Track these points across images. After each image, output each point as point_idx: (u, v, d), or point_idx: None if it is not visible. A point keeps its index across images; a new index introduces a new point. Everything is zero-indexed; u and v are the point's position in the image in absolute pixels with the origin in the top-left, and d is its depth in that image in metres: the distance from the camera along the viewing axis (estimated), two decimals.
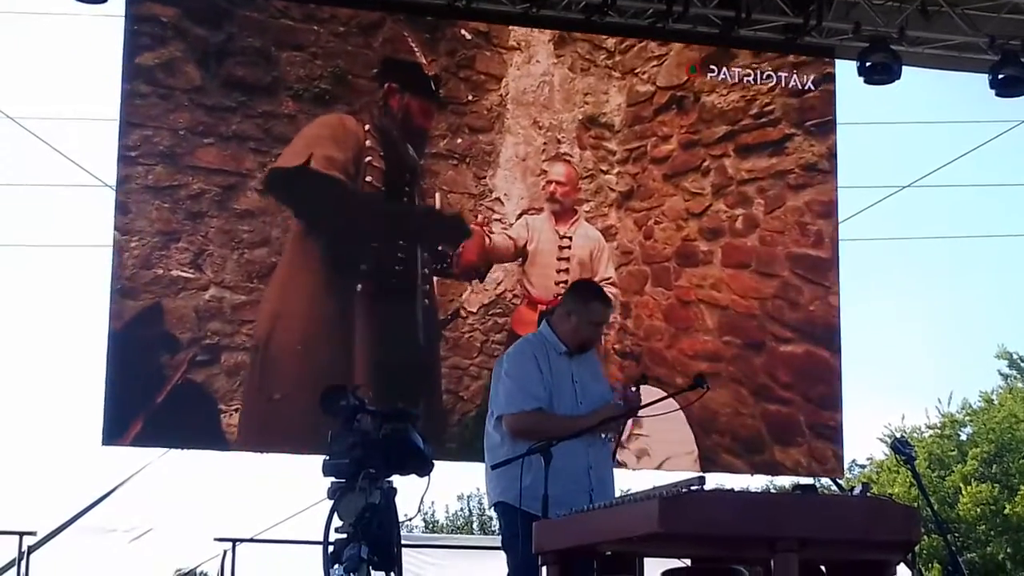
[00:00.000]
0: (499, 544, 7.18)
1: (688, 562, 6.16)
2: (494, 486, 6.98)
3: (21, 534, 12.16)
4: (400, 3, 11.89)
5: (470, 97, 12.02)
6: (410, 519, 6.69)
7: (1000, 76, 12.64)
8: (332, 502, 5.99)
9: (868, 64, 12.50)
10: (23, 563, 12.10)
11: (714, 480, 6.13)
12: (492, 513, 40.67)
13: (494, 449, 6.95)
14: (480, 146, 11.97)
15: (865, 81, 12.61)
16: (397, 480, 6.14)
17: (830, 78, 12.73)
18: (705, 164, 12.38)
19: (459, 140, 11.91)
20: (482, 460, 7.07)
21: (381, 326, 11.53)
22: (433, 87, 11.90)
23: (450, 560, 13.97)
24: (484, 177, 11.93)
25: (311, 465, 6.26)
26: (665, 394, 7.43)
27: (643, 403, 7.00)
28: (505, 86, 12.09)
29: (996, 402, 31.41)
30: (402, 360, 11.52)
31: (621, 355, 12.01)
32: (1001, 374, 32.53)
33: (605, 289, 7.76)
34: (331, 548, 5.97)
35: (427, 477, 6.24)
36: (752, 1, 12.35)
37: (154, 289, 11.17)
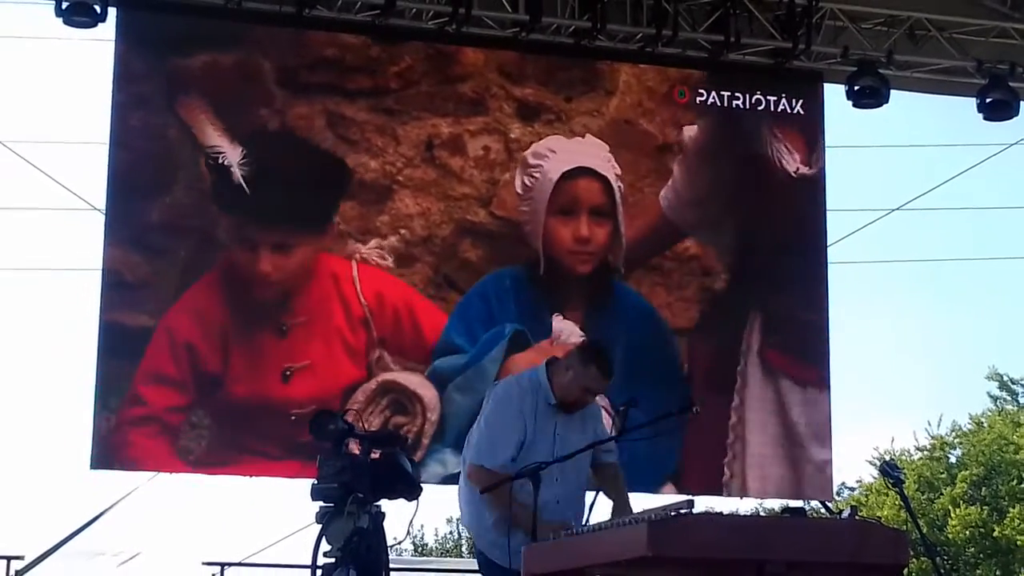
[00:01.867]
0: None
1: None
2: (481, 534, 6.88)
3: (9, 558, 12.11)
4: (391, 28, 11.90)
5: None
6: (399, 542, 6.69)
7: (988, 100, 12.69)
8: (320, 526, 5.99)
9: (856, 88, 12.54)
10: None
11: (703, 503, 6.12)
12: None
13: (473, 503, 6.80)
14: None
15: (853, 105, 12.65)
16: (386, 504, 6.14)
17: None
18: None
19: None
20: None
21: None
22: None
23: None
24: None
25: (300, 489, 6.26)
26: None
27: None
28: None
29: (986, 424, 31.43)
30: None
31: None
32: (991, 396, 32.59)
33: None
34: (319, 572, 5.96)
35: (416, 501, 6.24)
36: (741, 25, 12.39)
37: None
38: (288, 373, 11.36)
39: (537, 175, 12.04)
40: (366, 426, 6.34)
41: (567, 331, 11.88)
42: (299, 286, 11.52)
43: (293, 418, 11.06)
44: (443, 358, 11.67)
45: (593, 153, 12.20)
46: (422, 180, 11.90)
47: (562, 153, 12.12)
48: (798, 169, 12.54)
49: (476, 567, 7.06)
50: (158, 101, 11.50)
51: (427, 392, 11.50)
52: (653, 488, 11.66)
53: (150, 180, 11.44)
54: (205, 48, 11.64)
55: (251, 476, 11.35)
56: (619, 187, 12.18)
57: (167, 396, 11.17)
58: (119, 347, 11.14)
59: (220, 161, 11.47)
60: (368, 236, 11.70)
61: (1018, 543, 27.81)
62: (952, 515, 28.77)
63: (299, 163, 11.76)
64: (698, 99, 12.47)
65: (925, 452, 31.65)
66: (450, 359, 11.68)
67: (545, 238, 11.99)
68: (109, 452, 11.05)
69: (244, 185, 11.48)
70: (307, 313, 11.48)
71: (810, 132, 12.73)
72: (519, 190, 12.02)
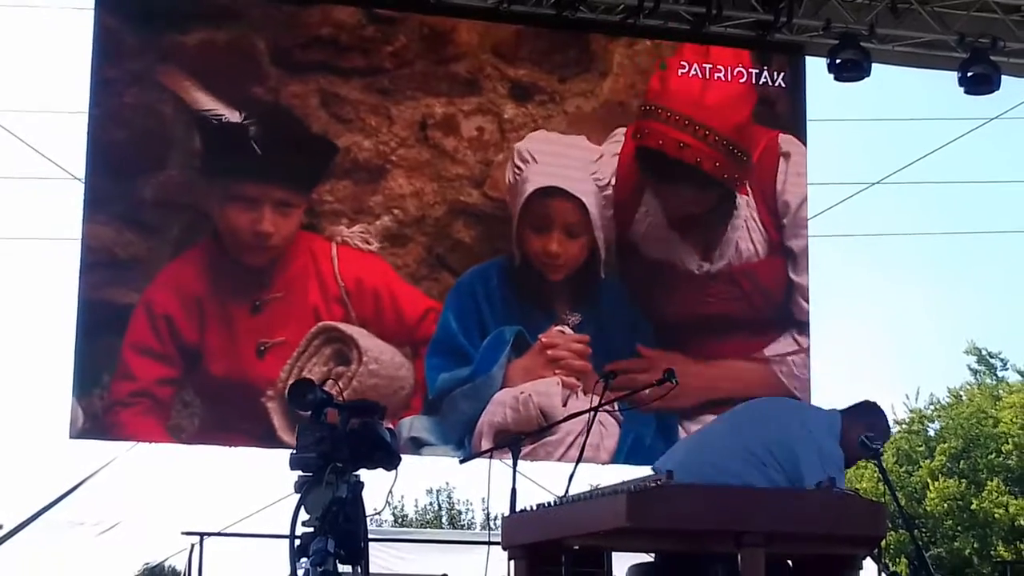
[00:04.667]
0: (467, 539, 7.16)
1: (653, 557, 6.17)
2: None
3: None
4: None
5: None
6: (378, 512, 6.69)
7: (969, 73, 12.69)
8: (299, 496, 5.98)
9: (838, 61, 12.54)
10: None
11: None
12: (461, 507, 40.07)
13: None
14: None
15: (835, 78, 12.64)
16: (365, 474, 6.13)
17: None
18: None
19: None
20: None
21: None
22: None
23: (419, 554, 13.95)
24: None
25: (278, 459, 6.25)
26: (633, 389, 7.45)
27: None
28: None
29: (964, 398, 31.50)
30: None
31: None
32: (970, 369, 32.63)
33: None
34: (298, 542, 5.95)
35: (395, 470, 6.23)
36: None
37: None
38: (263, 349, 11.35)
39: (519, 176, 12.04)
40: (342, 394, 6.30)
41: (562, 342, 11.93)
42: (280, 258, 11.52)
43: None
44: (448, 374, 11.68)
45: (576, 165, 12.18)
46: (416, 160, 11.92)
47: (543, 164, 12.08)
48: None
49: (455, 538, 7.06)
50: (151, 78, 11.48)
51: (369, 343, 11.48)
52: None
53: (142, 157, 11.44)
54: (199, 25, 11.65)
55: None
56: (605, 195, 12.15)
57: (154, 369, 11.21)
58: (106, 324, 11.16)
59: (222, 120, 11.47)
60: (361, 216, 11.71)
61: (996, 516, 27.91)
62: (930, 488, 28.85)
63: (294, 134, 11.75)
64: (679, 71, 12.45)
65: (904, 425, 31.71)
66: (455, 373, 11.72)
67: (518, 241, 12.01)
68: (98, 430, 11.12)
69: (254, 144, 11.53)
70: (283, 288, 11.48)
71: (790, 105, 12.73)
72: (507, 181, 12.03)
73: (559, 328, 11.98)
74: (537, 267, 12.07)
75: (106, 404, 11.07)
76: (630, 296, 12.25)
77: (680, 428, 12.01)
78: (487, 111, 12.10)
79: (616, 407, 8.60)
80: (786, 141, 12.63)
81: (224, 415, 11.36)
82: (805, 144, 12.73)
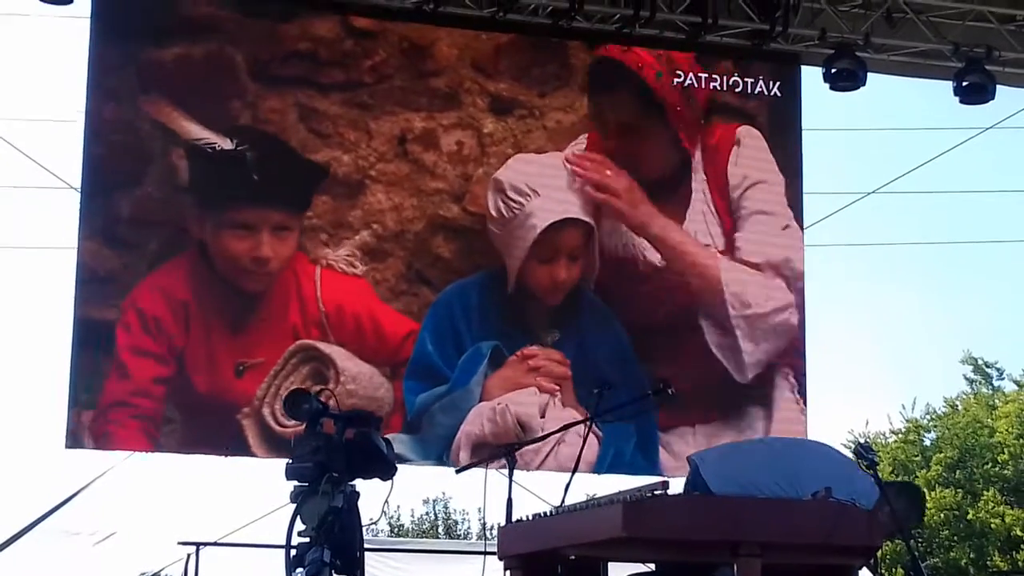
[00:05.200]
0: (464, 548, 7.16)
1: (652, 567, 6.17)
2: None
3: None
4: (371, 7, 11.88)
5: None
6: (374, 522, 6.68)
7: (964, 83, 12.70)
8: (295, 506, 5.98)
9: (833, 70, 12.55)
10: None
11: (677, 484, 6.11)
12: (457, 517, 39.97)
13: None
14: None
15: (830, 87, 12.66)
16: (360, 484, 6.13)
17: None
18: None
19: None
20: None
21: None
22: None
23: (415, 564, 13.95)
24: None
25: (275, 469, 6.25)
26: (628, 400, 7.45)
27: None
28: None
29: (960, 407, 31.48)
30: None
31: None
32: (966, 379, 32.61)
33: None
34: (293, 552, 5.95)
35: (390, 481, 6.23)
36: (719, 7, 12.38)
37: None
38: (241, 369, 11.32)
39: (517, 211, 11.95)
40: (338, 405, 6.30)
41: (542, 355, 11.90)
42: (273, 284, 11.53)
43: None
44: (425, 393, 11.64)
45: (568, 185, 12.12)
46: (395, 175, 11.86)
47: (546, 198, 12.02)
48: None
49: (452, 548, 7.07)
50: (129, 94, 11.44)
51: (347, 363, 11.45)
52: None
53: (119, 172, 11.39)
54: (176, 40, 11.57)
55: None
56: (596, 214, 12.11)
57: (150, 368, 11.20)
58: (93, 339, 11.14)
59: (216, 148, 11.41)
60: (340, 231, 11.64)
61: (992, 526, 27.89)
62: (927, 498, 28.85)
63: (277, 157, 11.68)
64: (674, 80, 12.46)
65: (900, 435, 31.70)
66: (432, 392, 11.67)
67: (521, 274, 11.93)
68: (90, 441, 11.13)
69: (253, 173, 11.49)
70: (264, 309, 11.47)
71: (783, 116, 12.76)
72: (493, 212, 11.93)
73: (539, 345, 11.94)
74: (538, 294, 12.01)
75: (98, 412, 11.03)
76: (610, 311, 12.16)
77: (660, 447, 11.98)
78: (467, 125, 12.05)
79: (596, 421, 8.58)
80: (744, 132, 12.61)
81: (201, 430, 11.32)
82: (799, 160, 12.75)
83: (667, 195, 12.40)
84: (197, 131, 11.43)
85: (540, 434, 11.10)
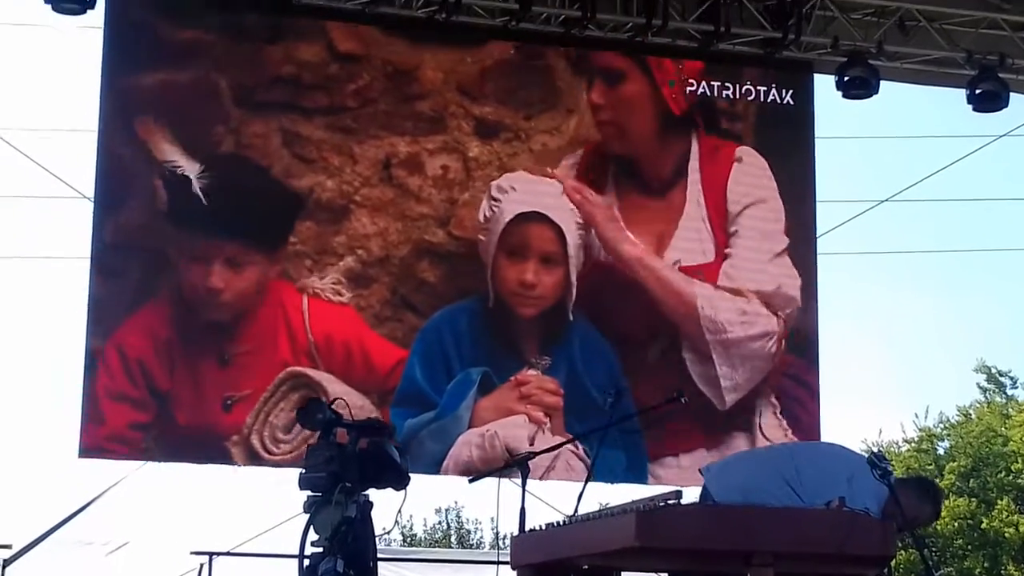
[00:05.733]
0: (477, 558, 7.17)
1: None
2: None
3: None
4: (379, 15, 11.88)
5: None
6: (387, 532, 6.68)
7: (977, 91, 12.69)
8: (308, 516, 5.97)
9: (846, 78, 12.54)
10: None
11: (691, 494, 6.11)
12: (470, 527, 40.06)
13: None
14: None
15: (843, 95, 12.66)
16: (374, 493, 6.12)
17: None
18: None
19: None
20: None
21: None
22: None
23: (428, 574, 13.95)
24: None
25: (288, 478, 6.25)
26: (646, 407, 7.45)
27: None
28: None
29: (974, 416, 31.44)
30: None
31: None
32: (980, 388, 32.58)
33: None
34: (307, 562, 5.95)
35: (404, 490, 6.23)
36: (731, 15, 12.37)
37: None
38: (229, 403, 11.28)
39: (496, 209, 11.90)
40: (351, 414, 6.30)
41: (535, 381, 11.82)
42: (247, 312, 11.43)
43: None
44: (414, 419, 11.57)
45: (557, 197, 12.05)
46: (380, 200, 11.76)
47: (523, 192, 11.97)
48: None
49: (464, 558, 7.06)
50: (112, 118, 11.40)
51: (337, 387, 11.30)
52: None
53: (103, 199, 11.33)
54: (161, 65, 11.51)
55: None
56: (580, 234, 12.02)
57: (127, 414, 11.14)
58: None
59: (178, 173, 11.34)
60: (324, 256, 11.56)
61: (1006, 535, 27.85)
62: (939, 491, 28.80)
63: (255, 185, 11.61)
64: (688, 89, 12.45)
65: (913, 444, 31.67)
66: (421, 418, 11.60)
67: (493, 274, 11.86)
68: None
69: (202, 196, 11.36)
70: (253, 341, 11.38)
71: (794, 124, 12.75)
72: (480, 218, 11.89)
73: (531, 372, 11.84)
74: (510, 304, 11.87)
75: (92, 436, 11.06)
76: (599, 334, 12.04)
77: (649, 475, 11.92)
78: (452, 149, 11.96)
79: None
80: (744, 151, 12.57)
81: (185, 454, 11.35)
82: (812, 168, 12.74)
83: (660, 198, 12.36)
84: (172, 155, 11.34)
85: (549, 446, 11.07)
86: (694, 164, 12.43)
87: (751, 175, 12.52)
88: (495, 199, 11.92)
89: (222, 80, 11.58)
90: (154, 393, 11.17)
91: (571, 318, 11.99)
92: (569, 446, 11.17)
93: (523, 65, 12.28)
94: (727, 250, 12.32)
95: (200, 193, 11.35)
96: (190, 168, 11.37)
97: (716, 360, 12.09)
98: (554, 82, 12.31)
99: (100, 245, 11.26)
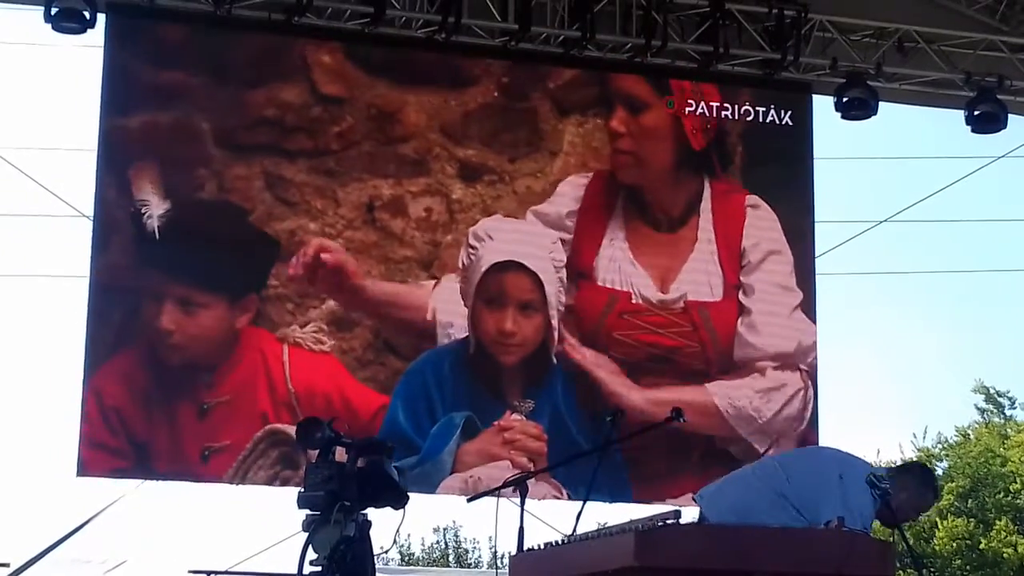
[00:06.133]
0: None
1: None
2: None
3: None
4: (380, 36, 11.90)
5: None
6: (385, 551, 6.68)
7: (976, 112, 12.73)
8: (307, 534, 5.97)
9: (845, 99, 12.58)
10: None
11: (690, 513, 6.11)
12: (468, 546, 39.91)
13: None
14: None
15: (842, 116, 12.69)
16: (372, 512, 6.12)
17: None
18: None
19: None
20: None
21: None
22: None
23: None
24: None
25: (287, 497, 6.25)
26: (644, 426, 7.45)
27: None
28: None
29: (972, 437, 31.41)
30: None
31: None
32: (978, 408, 32.52)
33: None
34: None
35: (402, 509, 6.23)
36: (730, 36, 12.40)
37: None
38: (207, 454, 11.25)
39: (473, 257, 11.84)
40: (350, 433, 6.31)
41: (519, 426, 11.77)
42: (219, 359, 11.34)
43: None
44: (397, 463, 11.47)
45: (533, 242, 12.02)
46: (362, 242, 11.71)
47: (499, 241, 11.92)
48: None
49: None
50: (106, 159, 11.38)
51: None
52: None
53: (96, 240, 11.31)
54: (143, 106, 11.47)
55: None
56: (560, 279, 11.97)
57: (107, 462, 11.14)
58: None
59: (143, 212, 11.28)
60: (306, 300, 11.50)
61: (1004, 555, 27.80)
62: (939, 527, 28.75)
63: (227, 229, 11.55)
64: (687, 109, 12.46)
65: None
66: (403, 462, 11.45)
67: (473, 322, 11.81)
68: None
69: (156, 232, 11.29)
70: (231, 392, 11.31)
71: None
72: (460, 265, 11.84)
73: (515, 416, 11.79)
74: (491, 351, 11.83)
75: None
76: (579, 374, 11.99)
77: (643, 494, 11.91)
78: (435, 192, 11.92)
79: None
80: (754, 199, 12.53)
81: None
82: (811, 189, 12.77)
83: (670, 233, 12.37)
84: (146, 195, 11.29)
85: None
86: (706, 204, 12.44)
87: (766, 222, 12.53)
88: (472, 247, 11.86)
89: (204, 122, 11.52)
90: (132, 440, 11.12)
91: (554, 361, 11.94)
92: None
93: (507, 107, 12.24)
94: (746, 306, 12.30)
95: (155, 230, 11.27)
96: (157, 207, 11.29)
97: (755, 443, 12.10)
98: (537, 124, 12.26)
99: (91, 285, 11.24)
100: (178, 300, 11.26)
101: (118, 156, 11.39)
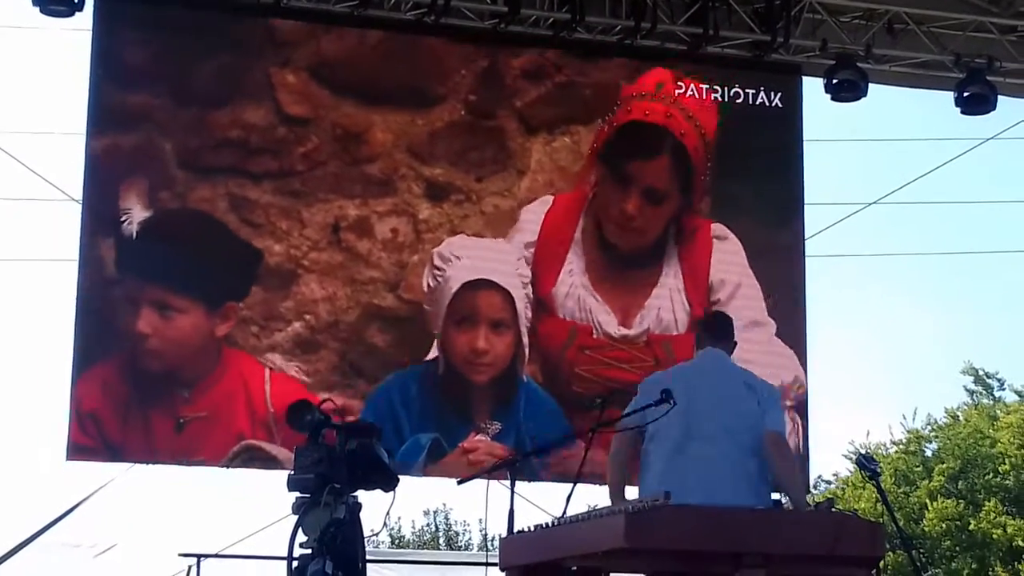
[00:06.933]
0: (465, 560, 7.15)
1: None
2: None
3: None
4: (368, 18, 11.87)
5: None
6: (375, 534, 6.68)
7: (966, 94, 12.72)
8: (297, 517, 5.98)
9: (835, 81, 12.56)
10: None
11: None
12: (459, 528, 39.89)
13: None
14: None
15: (832, 98, 12.67)
16: (362, 495, 6.12)
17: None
18: None
19: None
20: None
21: None
22: None
23: (416, 575, 13.96)
24: None
25: (277, 480, 6.25)
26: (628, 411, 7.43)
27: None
28: None
29: (961, 418, 31.49)
30: None
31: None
32: (967, 390, 32.64)
33: None
34: (295, 563, 5.95)
35: (392, 492, 6.23)
36: (720, 18, 12.38)
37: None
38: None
39: (440, 278, 11.72)
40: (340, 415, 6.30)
41: (484, 447, 11.67)
42: (199, 373, 11.29)
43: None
44: None
45: (501, 260, 11.94)
46: (328, 264, 11.61)
47: (467, 259, 11.81)
48: None
49: (452, 560, 7.06)
50: (92, 173, 11.31)
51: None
52: None
53: (84, 251, 11.24)
54: (105, 128, 11.37)
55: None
56: (527, 294, 11.87)
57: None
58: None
59: (123, 220, 11.22)
60: (271, 322, 11.41)
61: (994, 536, 27.90)
62: (928, 508, 28.85)
63: (208, 239, 11.49)
64: (677, 91, 12.45)
65: (901, 446, 31.71)
66: None
67: (443, 343, 11.70)
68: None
69: (133, 235, 11.21)
70: (209, 408, 11.24)
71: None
72: (424, 288, 11.73)
73: (479, 437, 11.69)
74: (461, 370, 11.73)
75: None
76: (552, 400, 11.90)
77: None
78: (402, 212, 11.80)
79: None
80: (718, 228, 12.43)
81: None
82: (801, 170, 12.75)
83: (634, 269, 12.27)
84: (129, 200, 11.23)
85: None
86: (672, 236, 12.33)
87: (732, 255, 12.39)
88: (438, 268, 11.73)
89: (167, 143, 11.41)
90: (108, 447, 11.10)
91: (524, 379, 11.86)
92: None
93: (474, 125, 12.11)
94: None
95: (133, 233, 11.19)
96: (138, 215, 11.21)
97: None
98: (505, 142, 12.15)
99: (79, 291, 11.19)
100: (152, 303, 11.15)
101: (107, 171, 11.32)
